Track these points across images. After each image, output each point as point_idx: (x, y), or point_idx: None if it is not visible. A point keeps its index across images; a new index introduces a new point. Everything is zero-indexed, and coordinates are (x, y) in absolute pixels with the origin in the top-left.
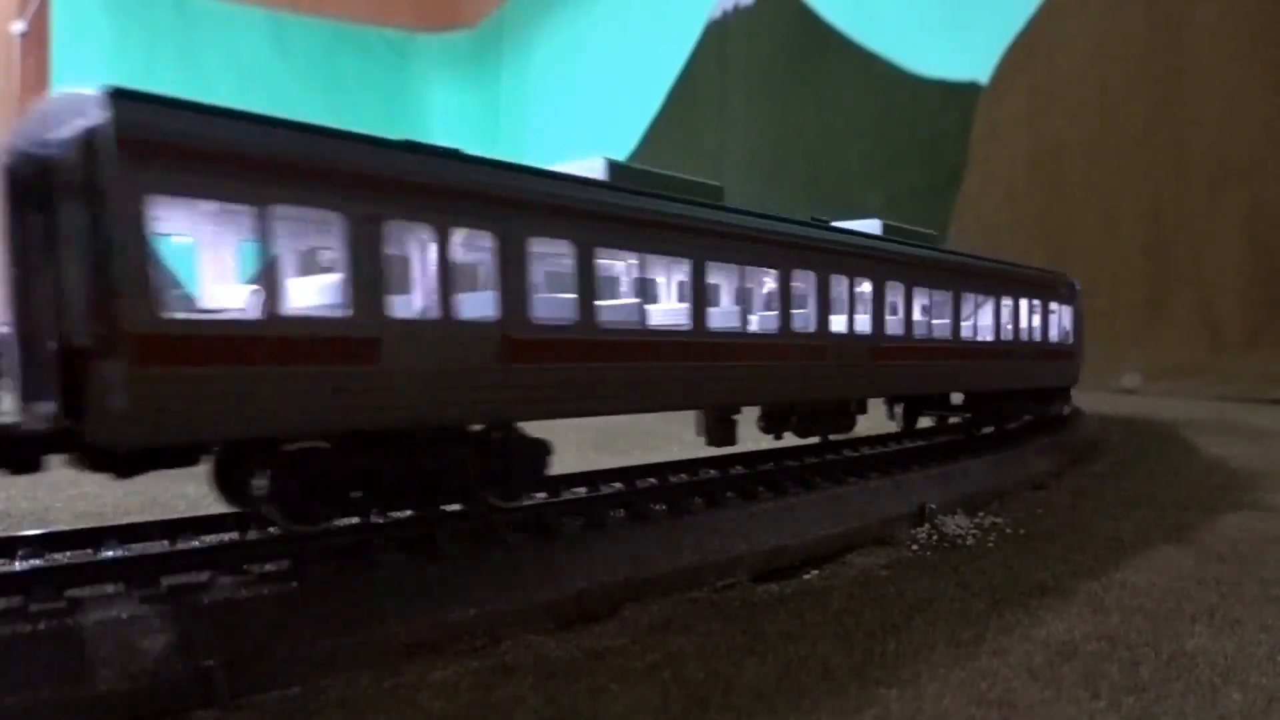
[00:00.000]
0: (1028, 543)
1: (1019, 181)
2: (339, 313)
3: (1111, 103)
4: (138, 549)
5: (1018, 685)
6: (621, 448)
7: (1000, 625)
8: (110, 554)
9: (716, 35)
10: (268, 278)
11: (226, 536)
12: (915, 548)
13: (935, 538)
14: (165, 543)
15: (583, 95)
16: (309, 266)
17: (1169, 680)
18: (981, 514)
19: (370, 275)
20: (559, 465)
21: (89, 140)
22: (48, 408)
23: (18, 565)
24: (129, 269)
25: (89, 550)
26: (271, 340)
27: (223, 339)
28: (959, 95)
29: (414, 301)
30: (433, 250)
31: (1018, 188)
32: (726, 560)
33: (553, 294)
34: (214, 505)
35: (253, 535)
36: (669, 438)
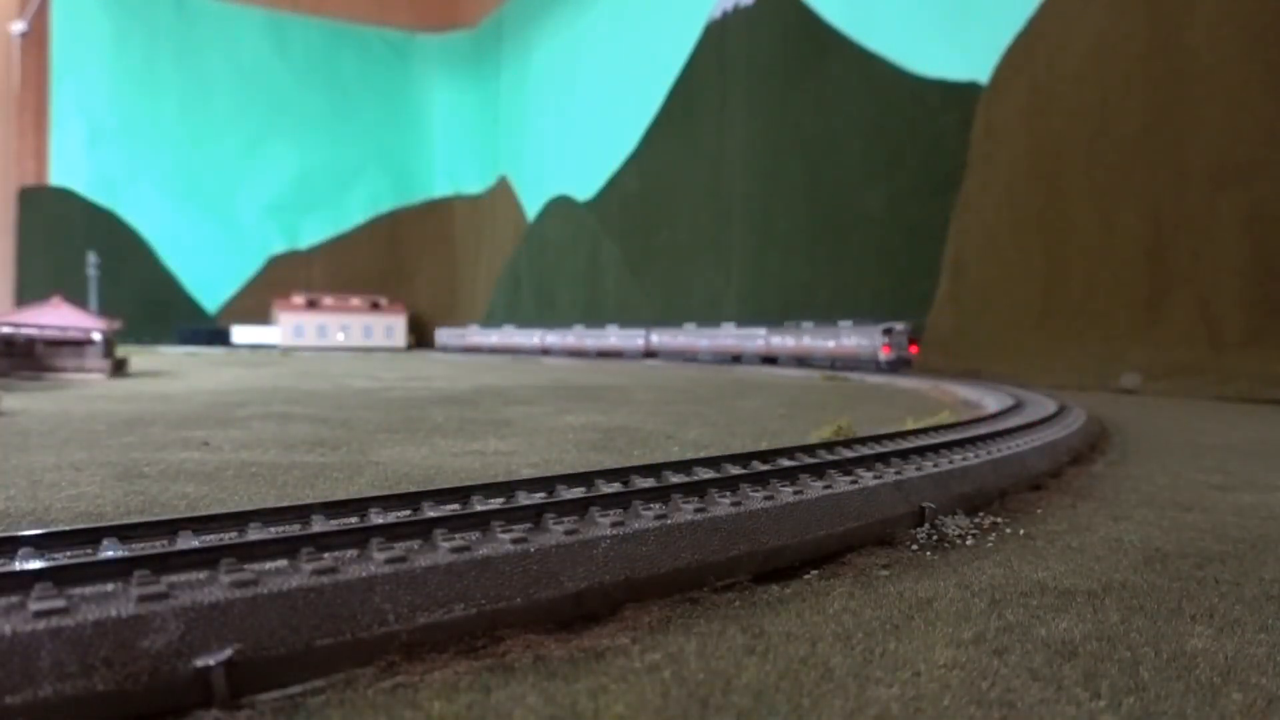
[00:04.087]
0: (1028, 543)
1: (1019, 181)
2: None
3: (1111, 103)
4: (138, 549)
5: (1018, 685)
6: (621, 447)
7: (1000, 625)
8: (110, 554)
9: (716, 35)
10: None
11: (226, 536)
12: (915, 548)
13: (935, 538)
14: (165, 542)
15: (582, 95)
16: None
17: (1169, 680)
18: (981, 514)
19: None
20: (559, 464)
21: None
22: None
23: (18, 565)
24: None
25: (89, 550)
26: None
27: None
28: (959, 95)
29: None
30: None
31: (1018, 188)
32: (726, 560)
33: None
34: (213, 505)
35: (253, 535)
36: (669, 437)
